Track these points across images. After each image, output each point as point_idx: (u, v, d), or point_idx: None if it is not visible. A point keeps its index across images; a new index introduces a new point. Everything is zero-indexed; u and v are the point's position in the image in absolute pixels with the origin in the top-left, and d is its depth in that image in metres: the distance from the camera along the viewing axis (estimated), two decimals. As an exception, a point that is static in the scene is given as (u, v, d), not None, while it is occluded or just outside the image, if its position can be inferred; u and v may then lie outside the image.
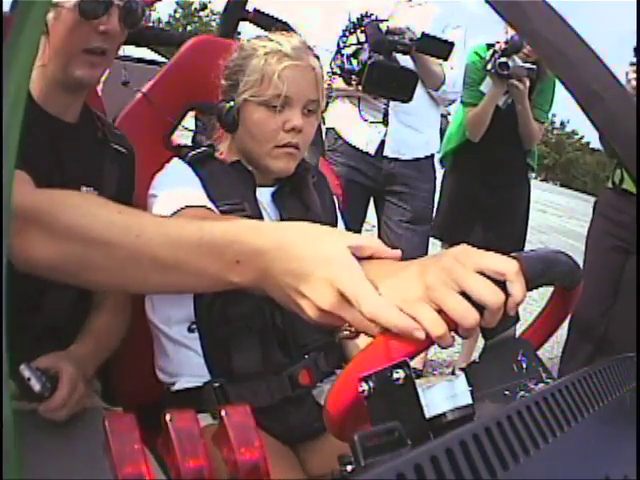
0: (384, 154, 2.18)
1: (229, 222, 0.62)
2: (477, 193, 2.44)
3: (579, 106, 0.50)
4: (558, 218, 12.82)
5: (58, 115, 1.01)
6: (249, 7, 1.65)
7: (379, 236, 2.35)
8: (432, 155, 2.30)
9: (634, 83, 1.92)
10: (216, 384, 1.02)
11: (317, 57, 1.14)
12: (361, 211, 2.29)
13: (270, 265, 0.57)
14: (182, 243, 0.60)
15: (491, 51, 2.24)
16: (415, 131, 2.20)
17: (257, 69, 1.07)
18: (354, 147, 2.20)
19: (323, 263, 0.55)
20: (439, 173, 2.44)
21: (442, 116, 2.55)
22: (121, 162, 1.11)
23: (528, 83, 2.22)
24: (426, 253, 2.34)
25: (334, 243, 0.56)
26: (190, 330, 1.06)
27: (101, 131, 1.09)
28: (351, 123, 2.17)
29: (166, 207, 0.99)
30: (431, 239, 2.47)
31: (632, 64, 1.93)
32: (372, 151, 2.18)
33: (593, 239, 2.25)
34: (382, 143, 2.18)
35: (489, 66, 2.22)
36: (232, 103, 1.10)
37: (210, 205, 1.02)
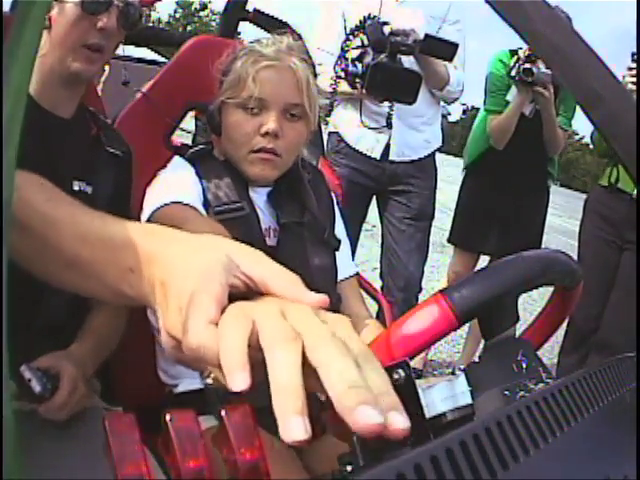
0: (389, 158, 2.19)
1: (129, 224, 0.53)
2: (496, 200, 2.44)
3: (579, 106, 0.50)
4: (558, 218, 12.82)
5: (51, 109, 1.02)
6: (249, 7, 1.65)
7: (382, 234, 2.36)
8: (433, 152, 2.30)
9: (630, 87, 1.92)
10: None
11: (307, 60, 1.11)
12: (361, 212, 2.30)
13: (155, 277, 0.46)
14: (87, 239, 0.53)
15: (515, 58, 2.23)
16: (417, 132, 2.21)
17: (235, 71, 1.07)
18: (358, 151, 2.20)
19: (184, 277, 0.43)
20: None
21: (442, 116, 2.55)
22: (116, 164, 1.10)
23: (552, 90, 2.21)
24: (427, 249, 2.35)
25: (210, 258, 0.44)
26: None
27: (95, 130, 1.09)
28: (355, 128, 2.18)
29: (150, 204, 0.99)
30: (442, 242, 2.48)
31: (630, 68, 1.94)
32: (377, 156, 2.19)
33: (586, 237, 2.26)
34: (386, 146, 2.18)
35: (513, 72, 2.21)
36: (215, 104, 1.10)
37: (197, 205, 1.00)
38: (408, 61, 1.77)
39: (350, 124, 2.18)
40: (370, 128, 2.11)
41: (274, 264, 0.46)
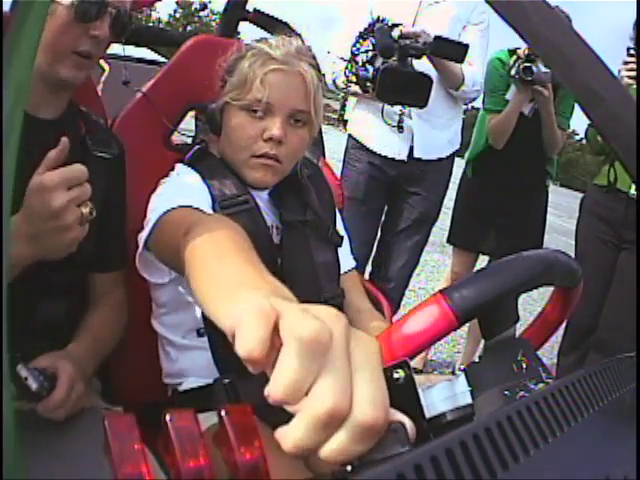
0: (414, 156, 2.18)
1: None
2: (495, 200, 2.43)
3: (579, 106, 0.50)
4: (558, 218, 12.81)
5: (34, 112, 0.98)
6: (249, 7, 1.65)
7: (381, 227, 2.36)
8: (453, 153, 2.30)
9: (626, 80, 1.93)
10: (226, 380, 0.99)
11: (315, 65, 1.09)
12: (380, 205, 2.30)
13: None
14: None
15: (514, 57, 2.23)
16: (439, 131, 2.20)
17: (242, 71, 1.04)
18: (379, 155, 2.19)
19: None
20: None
21: None
22: (107, 167, 1.07)
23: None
24: (421, 251, 2.35)
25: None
26: (199, 334, 1.04)
27: (84, 130, 1.07)
28: (376, 132, 2.17)
29: (157, 209, 0.97)
30: (441, 244, 2.47)
31: (625, 62, 1.94)
32: (404, 158, 2.18)
33: (582, 236, 2.26)
34: (410, 148, 2.18)
35: (513, 71, 2.20)
36: (217, 104, 1.08)
37: (206, 208, 0.98)
38: (420, 63, 1.77)
39: (370, 126, 2.18)
40: (391, 126, 2.10)
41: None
